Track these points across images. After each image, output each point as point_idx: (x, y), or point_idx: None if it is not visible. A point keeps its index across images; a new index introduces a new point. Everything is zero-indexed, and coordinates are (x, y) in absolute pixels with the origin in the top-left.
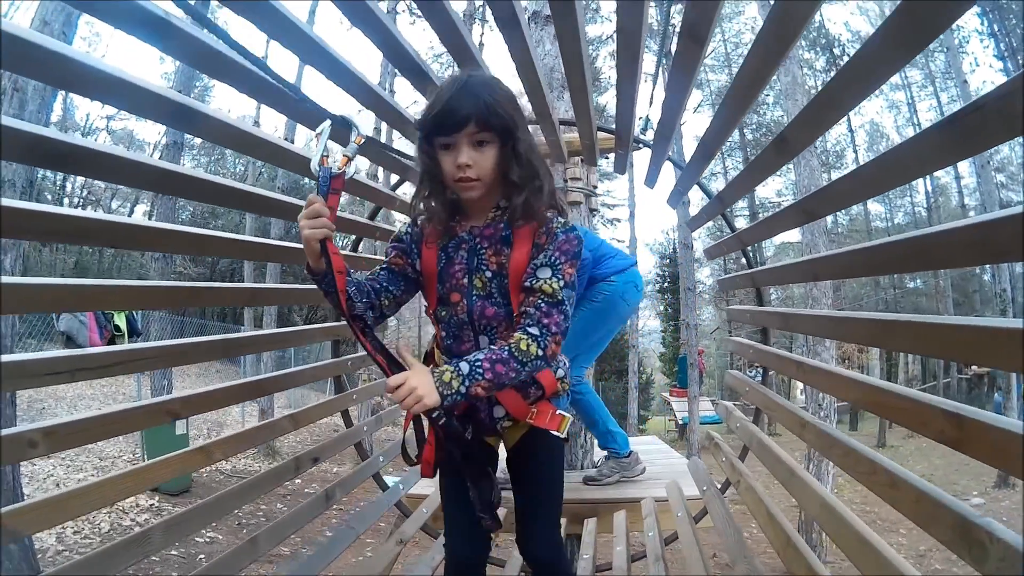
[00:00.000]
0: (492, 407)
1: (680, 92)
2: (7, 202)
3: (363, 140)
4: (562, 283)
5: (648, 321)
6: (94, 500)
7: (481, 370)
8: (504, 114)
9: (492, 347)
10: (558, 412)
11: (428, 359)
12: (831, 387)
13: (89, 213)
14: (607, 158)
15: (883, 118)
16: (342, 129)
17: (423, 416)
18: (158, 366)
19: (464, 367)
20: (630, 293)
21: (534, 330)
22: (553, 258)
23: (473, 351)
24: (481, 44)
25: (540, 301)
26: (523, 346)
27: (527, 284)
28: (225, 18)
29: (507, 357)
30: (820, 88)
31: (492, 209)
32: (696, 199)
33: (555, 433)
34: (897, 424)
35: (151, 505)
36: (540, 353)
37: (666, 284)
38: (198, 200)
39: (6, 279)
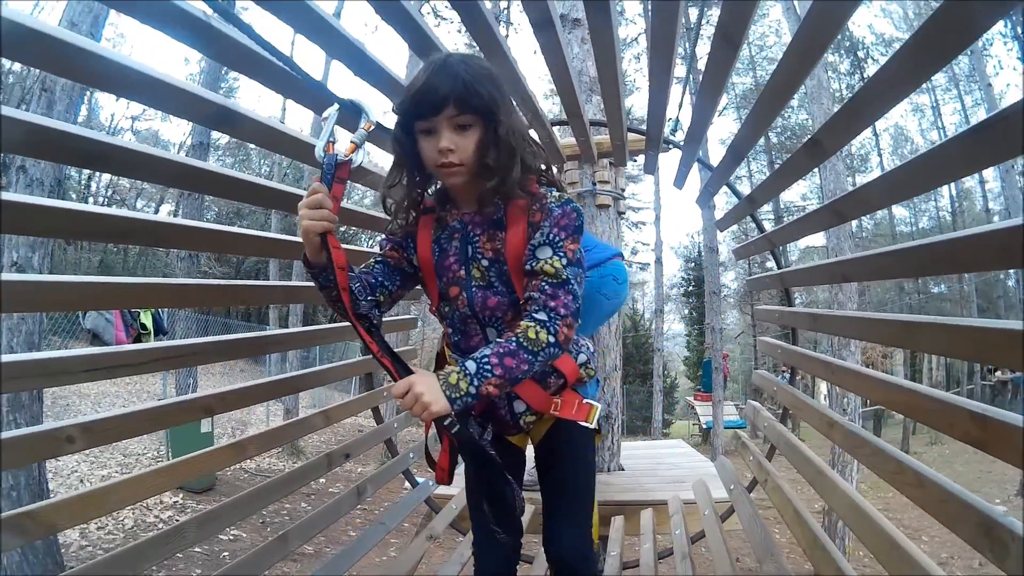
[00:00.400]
0: (512, 402)
1: (713, 94)
2: (37, 200)
3: (373, 127)
4: (565, 261)
5: (673, 325)
6: (128, 495)
7: (489, 366)
8: (485, 94)
9: (498, 340)
10: (585, 401)
11: (440, 360)
12: (859, 387)
13: (119, 211)
14: (635, 160)
15: (907, 121)
16: (351, 115)
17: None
18: (194, 363)
19: (471, 366)
20: (608, 287)
21: (541, 315)
22: (552, 235)
23: (482, 345)
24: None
25: (544, 283)
26: (531, 334)
27: (528, 267)
28: (251, 17)
29: (515, 348)
30: (851, 94)
31: (479, 190)
32: (721, 202)
33: (583, 424)
34: (924, 424)
35: (175, 502)
36: (551, 340)
37: (691, 288)
38: (225, 197)
39: (42, 277)
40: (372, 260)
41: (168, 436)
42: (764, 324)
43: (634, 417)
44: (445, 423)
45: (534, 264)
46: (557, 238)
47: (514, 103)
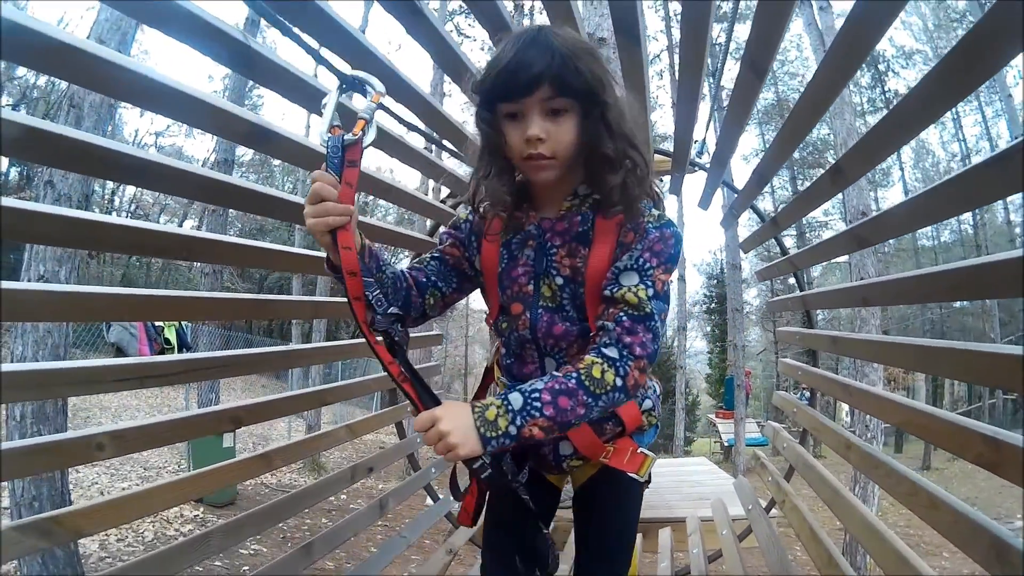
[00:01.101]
0: (558, 443)
1: (739, 121)
2: (63, 211)
3: (382, 97)
4: (652, 292)
5: (695, 342)
6: (154, 503)
7: (539, 404)
8: (587, 72)
9: (556, 374)
10: (639, 451)
11: (487, 377)
12: (877, 410)
13: (159, 226)
14: (661, 180)
15: (928, 134)
16: (356, 92)
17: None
18: (222, 375)
19: (516, 400)
20: None
21: (612, 352)
22: (642, 260)
23: (537, 375)
24: None
25: (622, 314)
26: (596, 372)
27: (607, 292)
28: (275, 35)
29: (574, 387)
30: (874, 125)
31: (568, 196)
32: (743, 218)
33: (633, 476)
34: (939, 447)
35: (195, 516)
36: (618, 383)
37: (713, 305)
38: (251, 211)
39: (74, 288)
40: (427, 255)
41: (190, 450)
42: (785, 343)
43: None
44: (475, 466)
45: (615, 290)
46: (648, 264)
47: (616, 85)
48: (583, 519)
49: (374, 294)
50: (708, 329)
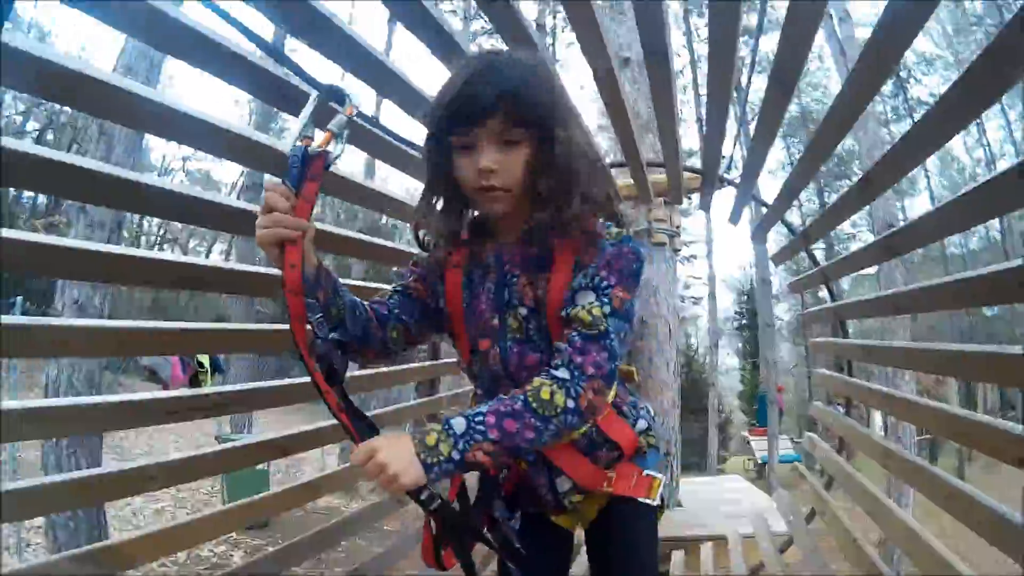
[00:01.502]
0: (554, 478)
1: (767, 138)
2: (94, 246)
3: (356, 111)
4: (608, 309)
5: (726, 359)
6: (208, 531)
7: (483, 428)
8: (539, 104)
9: (502, 396)
10: (645, 473)
11: None
12: (914, 417)
13: (172, 256)
14: (690, 198)
15: (953, 141)
16: (332, 105)
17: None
18: (274, 404)
19: (458, 424)
20: None
21: (562, 372)
22: (597, 278)
23: None
24: None
25: (575, 334)
26: (544, 394)
27: (564, 313)
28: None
29: (520, 409)
30: (900, 137)
31: (525, 222)
32: (771, 233)
33: (643, 500)
34: (975, 450)
35: (228, 537)
36: (570, 405)
37: (744, 321)
38: None
39: (105, 323)
40: (391, 288)
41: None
42: (818, 355)
43: (688, 453)
44: (421, 497)
45: (570, 310)
46: (604, 282)
47: (576, 111)
48: (599, 559)
49: (315, 317)
50: (739, 345)
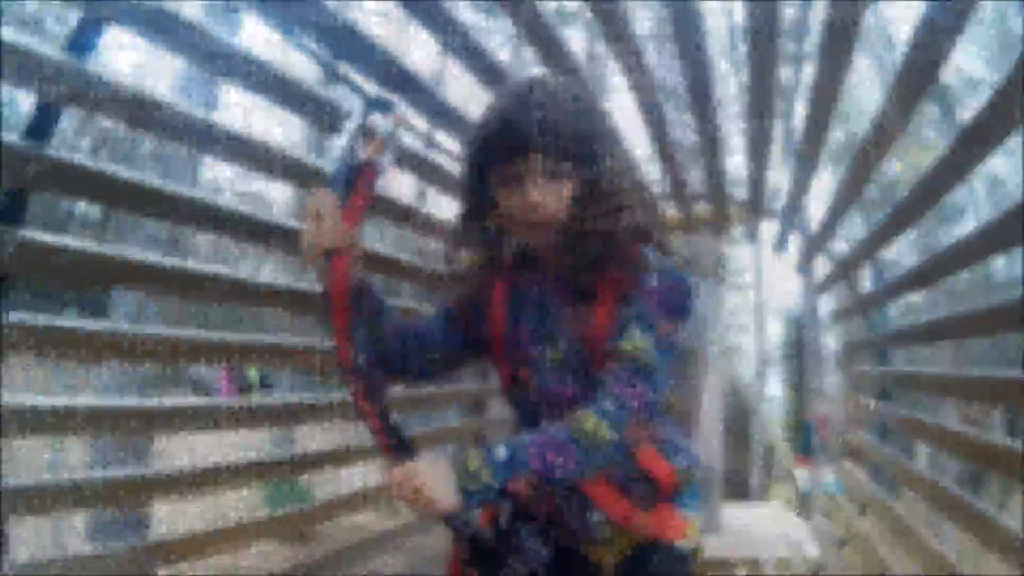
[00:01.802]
0: (585, 512)
1: (809, 166)
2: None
3: (403, 122)
4: (652, 341)
5: (773, 387)
6: (246, 536)
7: (524, 457)
8: (582, 135)
9: (545, 427)
10: (681, 514)
11: None
12: (953, 445)
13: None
14: (738, 227)
15: (996, 166)
16: (380, 114)
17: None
18: (323, 417)
19: (501, 453)
20: None
21: (607, 405)
22: (643, 310)
23: None
24: None
25: (620, 367)
26: (588, 426)
27: (608, 347)
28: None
29: (563, 441)
30: (936, 157)
31: (570, 252)
32: (818, 262)
33: (677, 544)
34: (1014, 479)
35: (262, 550)
36: (614, 438)
37: (790, 349)
38: None
39: (161, 329)
40: (435, 311)
41: None
42: (860, 384)
43: (731, 480)
44: (455, 524)
45: (614, 343)
46: (649, 314)
47: (621, 139)
48: None
49: (358, 333)
50: (785, 374)
